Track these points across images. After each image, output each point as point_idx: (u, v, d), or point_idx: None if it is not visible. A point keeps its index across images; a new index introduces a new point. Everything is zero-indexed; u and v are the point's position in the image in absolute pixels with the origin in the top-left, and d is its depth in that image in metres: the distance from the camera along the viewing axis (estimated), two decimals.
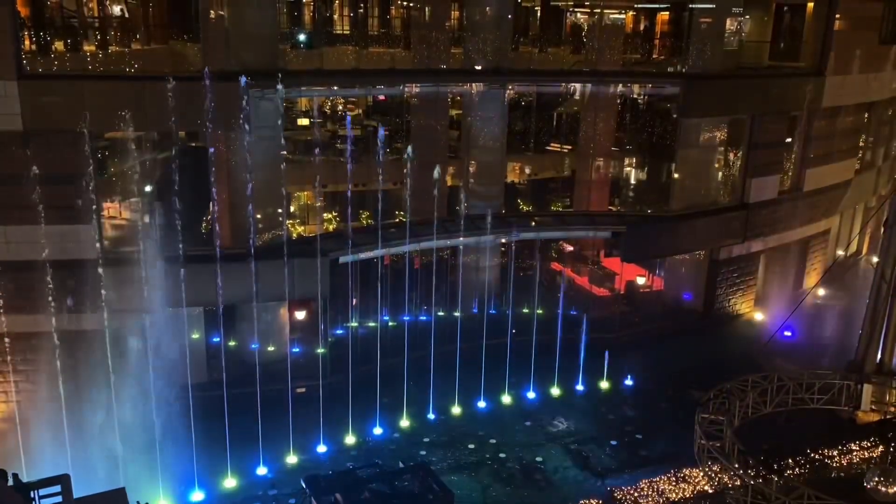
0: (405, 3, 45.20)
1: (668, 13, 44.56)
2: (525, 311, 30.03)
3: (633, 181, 41.39)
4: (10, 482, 14.16)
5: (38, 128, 21.58)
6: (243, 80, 23.02)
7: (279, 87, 24.49)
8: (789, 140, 33.83)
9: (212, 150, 25.96)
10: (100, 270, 22.27)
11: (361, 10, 49.50)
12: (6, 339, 23.07)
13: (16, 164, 21.63)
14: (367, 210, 32.81)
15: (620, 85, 32.23)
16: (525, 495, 21.99)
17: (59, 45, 26.82)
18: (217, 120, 23.30)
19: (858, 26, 33.38)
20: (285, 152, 29.21)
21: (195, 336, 25.88)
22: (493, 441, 24.43)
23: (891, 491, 19.89)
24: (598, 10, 33.06)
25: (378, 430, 24.75)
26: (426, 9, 29.59)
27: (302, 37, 38.41)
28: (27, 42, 24.55)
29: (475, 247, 30.14)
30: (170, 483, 21.17)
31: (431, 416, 25.71)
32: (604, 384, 28.08)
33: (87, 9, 32.41)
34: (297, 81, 26.45)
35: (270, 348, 27.03)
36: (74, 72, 24.95)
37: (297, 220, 35.06)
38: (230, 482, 22.04)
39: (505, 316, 29.18)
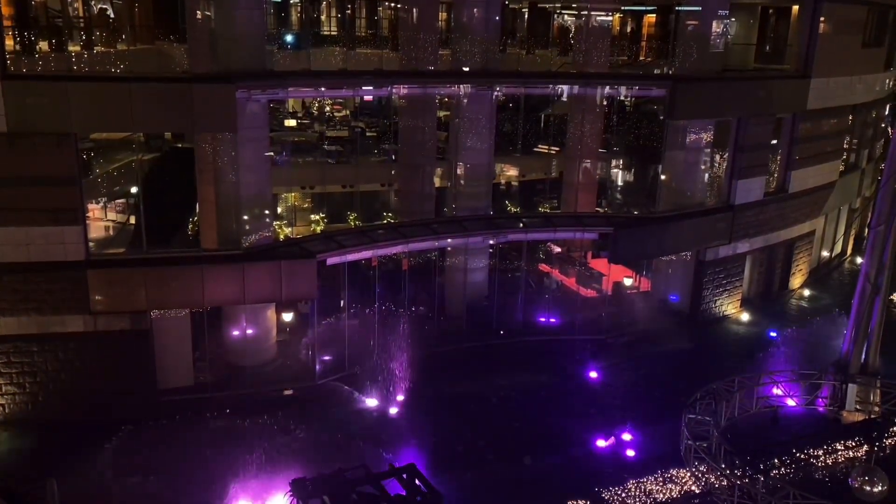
0: (393, 5, 45.20)
1: (654, 16, 44.85)
2: (512, 312, 30.06)
3: (620, 183, 41.51)
4: None
5: (22, 129, 21.37)
6: (230, 81, 22.92)
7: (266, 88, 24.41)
8: (775, 142, 34.05)
9: (198, 151, 25.90)
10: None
11: (349, 12, 49.51)
12: None
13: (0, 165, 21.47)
14: (354, 211, 32.71)
15: (607, 87, 32.30)
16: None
17: (43, 46, 26.61)
18: (203, 121, 23.17)
19: (842, 30, 33.64)
20: (272, 153, 29.10)
21: None
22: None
23: (875, 490, 20.03)
24: (585, 13, 33.12)
25: None
26: (414, 10, 29.53)
27: (289, 38, 38.31)
28: (11, 42, 24.32)
29: (463, 248, 30.11)
30: None
31: None
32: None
33: (73, 9, 32.21)
34: (285, 82, 26.34)
35: None
36: (59, 72, 24.70)
37: (284, 222, 34.94)
38: None
39: (492, 317, 29.14)
